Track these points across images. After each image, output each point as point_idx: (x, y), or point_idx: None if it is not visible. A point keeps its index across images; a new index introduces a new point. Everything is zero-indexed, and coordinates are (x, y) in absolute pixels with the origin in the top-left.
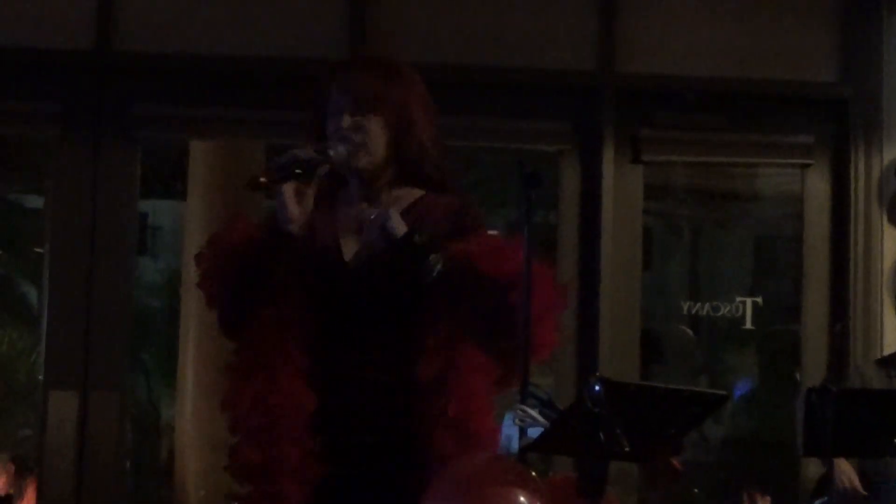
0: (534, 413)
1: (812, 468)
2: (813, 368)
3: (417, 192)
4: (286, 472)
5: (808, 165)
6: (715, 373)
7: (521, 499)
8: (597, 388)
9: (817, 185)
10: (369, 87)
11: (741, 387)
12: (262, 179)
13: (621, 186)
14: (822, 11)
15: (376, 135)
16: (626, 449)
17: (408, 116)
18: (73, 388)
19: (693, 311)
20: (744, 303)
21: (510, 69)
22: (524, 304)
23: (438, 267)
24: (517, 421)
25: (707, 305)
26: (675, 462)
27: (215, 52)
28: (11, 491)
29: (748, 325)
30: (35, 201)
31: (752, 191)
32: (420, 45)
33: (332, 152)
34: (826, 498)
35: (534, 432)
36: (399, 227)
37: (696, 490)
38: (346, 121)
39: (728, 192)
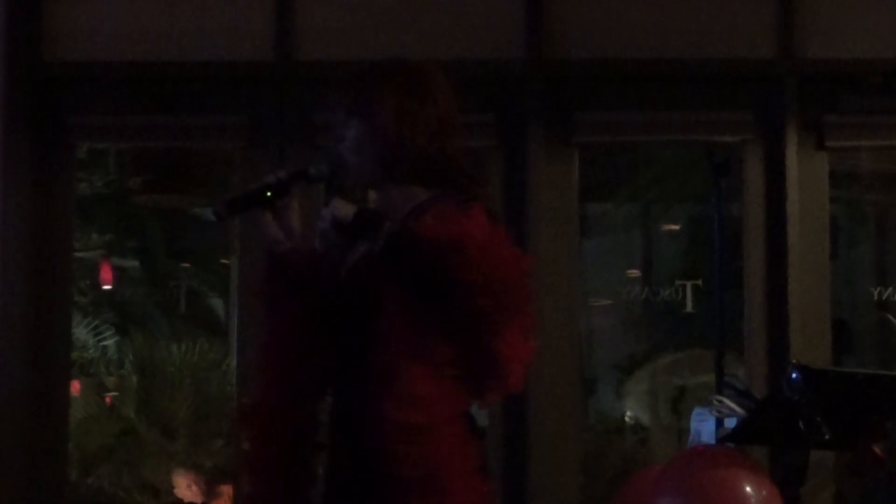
0: (731, 403)
1: None
2: None
3: (425, 194)
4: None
5: None
6: None
7: (747, 488)
8: (795, 375)
9: None
10: (342, 95)
11: None
12: (217, 212)
13: (806, 174)
14: None
15: (357, 142)
16: (827, 437)
17: (385, 116)
18: None
19: (884, 297)
20: None
21: (690, 61)
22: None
23: (385, 233)
24: (714, 412)
25: None
26: (878, 449)
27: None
28: (207, 500)
29: None
30: None
31: None
32: (598, 41)
33: (312, 170)
34: None
35: (729, 422)
36: (344, 210)
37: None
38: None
39: None
